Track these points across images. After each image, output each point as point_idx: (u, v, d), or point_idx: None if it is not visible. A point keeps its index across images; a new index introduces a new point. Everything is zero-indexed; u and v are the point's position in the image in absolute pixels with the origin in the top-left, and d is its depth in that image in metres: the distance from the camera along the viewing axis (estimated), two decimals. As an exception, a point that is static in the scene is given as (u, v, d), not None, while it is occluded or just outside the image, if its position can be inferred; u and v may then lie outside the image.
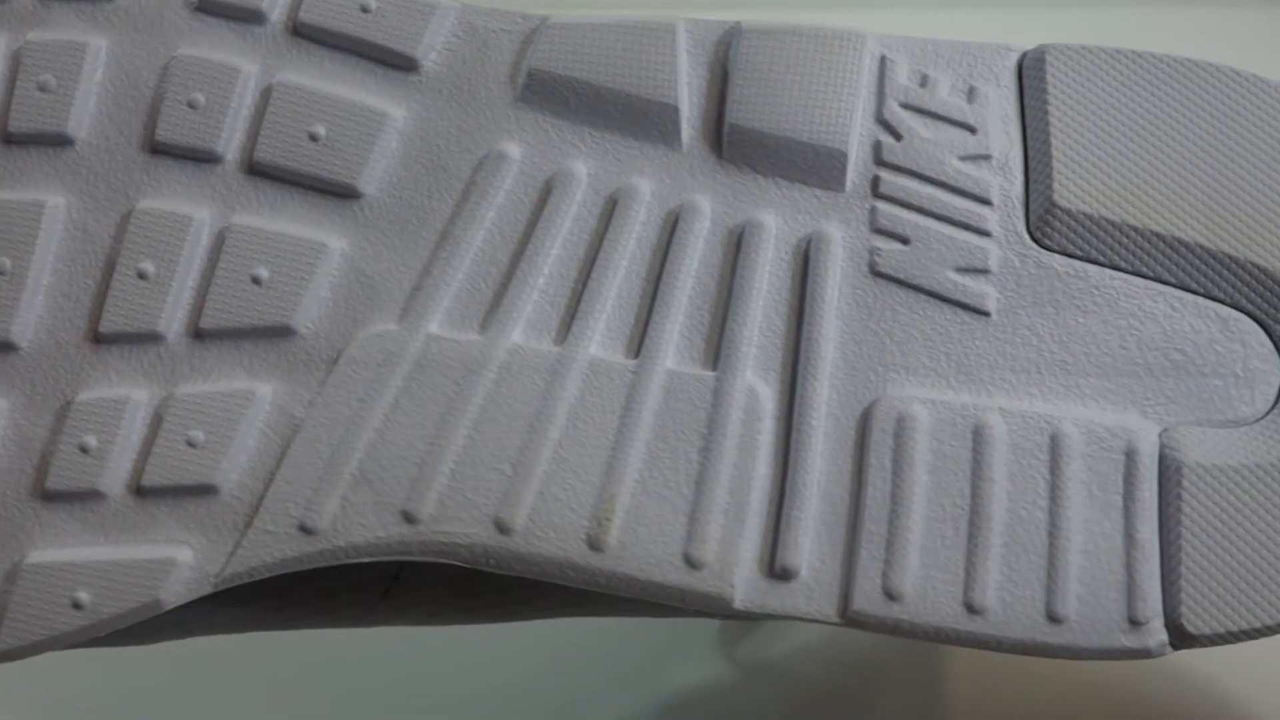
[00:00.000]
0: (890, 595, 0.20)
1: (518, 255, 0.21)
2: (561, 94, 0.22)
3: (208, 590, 0.20)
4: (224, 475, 0.20)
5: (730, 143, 0.21)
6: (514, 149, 0.22)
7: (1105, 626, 0.20)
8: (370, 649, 0.28)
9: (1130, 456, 0.20)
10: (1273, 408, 0.21)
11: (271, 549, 0.20)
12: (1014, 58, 0.22)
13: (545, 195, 0.21)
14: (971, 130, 0.22)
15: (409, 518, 0.20)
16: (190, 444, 0.20)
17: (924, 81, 0.22)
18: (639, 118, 0.22)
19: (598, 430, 0.20)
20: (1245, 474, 0.20)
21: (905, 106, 0.22)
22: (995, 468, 0.20)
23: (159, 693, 0.28)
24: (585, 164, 0.22)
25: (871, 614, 0.20)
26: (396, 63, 0.22)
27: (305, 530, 0.20)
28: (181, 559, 0.20)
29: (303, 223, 0.21)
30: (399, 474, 0.20)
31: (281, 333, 0.21)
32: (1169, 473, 0.20)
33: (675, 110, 0.21)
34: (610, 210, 0.21)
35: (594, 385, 0.21)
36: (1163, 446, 0.20)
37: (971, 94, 0.22)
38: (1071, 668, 0.27)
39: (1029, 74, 0.22)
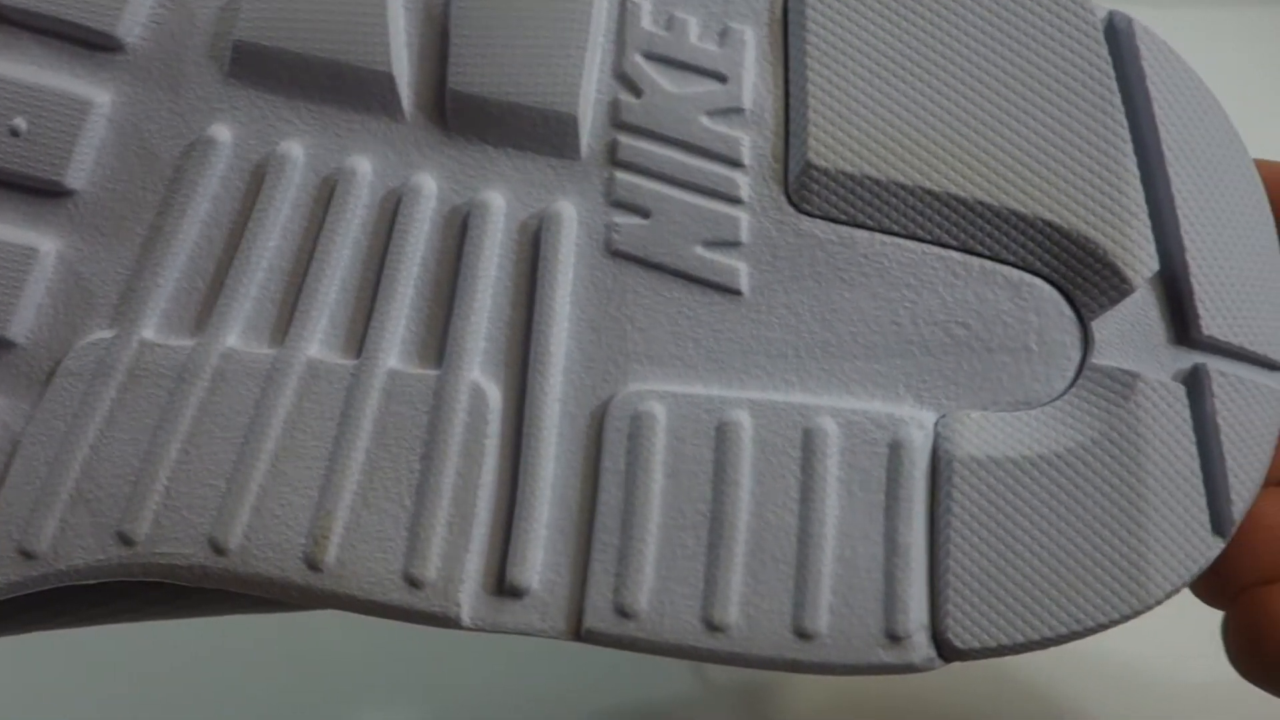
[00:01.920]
0: (623, 612, 0.18)
1: (232, 249, 0.20)
2: (271, 67, 0.20)
3: (-59, 614, 0.20)
4: (-52, 497, 0.19)
5: (454, 111, 0.19)
6: (225, 131, 0.20)
7: (861, 641, 0.18)
8: (351, 645, 0.27)
9: (895, 450, 0.18)
10: (1070, 386, 0.18)
11: (-4, 573, 0.19)
12: (778, -13, 0.19)
13: (260, 181, 0.20)
14: (722, 79, 0.19)
15: (125, 539, 0.19)
16: (-89, 467, 0.20)
17: (670, 24, 0.19)
18: (355, 88, 0.19)
19: (315, 439, 0.19)
20: (1024, 467, 0.18)
21: (648, 56, 0.19)
22: (740, 469, 0.18)
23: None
24: (301, 143, 0.20)
25: (605, 632, 0.18)
26: (99, 43, 0.20)
27: (25, 554, 0.19)
28: None
29: (14, 225, 0.20)
30: (114, 493, 0.19)
31: (-1, 345, 0.20)
32: (940, 467, 0.18)
33: (390, 78, 0.19)
34: (329, 194, 0.19)
35: (311, 390, 0.19)
36: (937, 436, 0.18)
37: (724, 35, 0.19)
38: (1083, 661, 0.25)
39: (793, 8, 0.19)
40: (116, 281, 0.20)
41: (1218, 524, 0.18)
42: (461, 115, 0.19)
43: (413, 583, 0.18)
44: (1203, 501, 0.17)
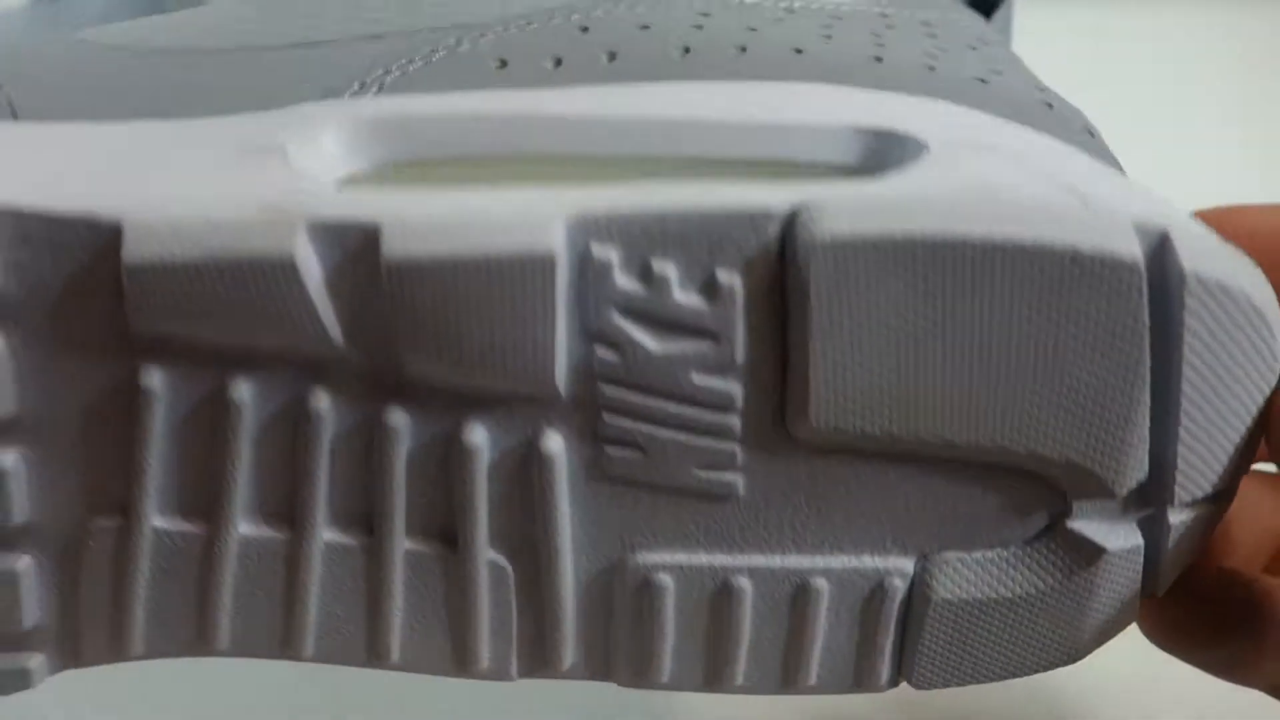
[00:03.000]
0: (647, 687, 0.22)
1: (206, 461, 0.19)
2: (178, 337, 0.17)
3: None
4: None
5: (414, 380, 0.17)
6: (154, 376, 0.18)
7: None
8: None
9: (878, 592, 0.20)
10: (1040, 535, 0.19)
11: None
12: (773, 229, 0.16)
13: (213, 415, 0.18)
14: (714, 339, 0.17)
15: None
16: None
17: (647, 276, 0.16)
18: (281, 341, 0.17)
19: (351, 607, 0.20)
20: (988, 608, 0.20)
21: (626, 313, 0.16)
22: (741, 624, 0.20)
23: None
24: (247, 383, 0.18)
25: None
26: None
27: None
28: None
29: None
30: (178, 639, 0.21)
31: None
32: (915, 606, 0.20)
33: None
34: (293, 426, 0.18)
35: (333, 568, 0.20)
36: (914, 581, 0.20)
37: (712, 289, 0.16)
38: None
39: (791, 261, 0.16)
40: (97, 476, 0.19)
41: (1148, 591, 0.21)
42: (422, 383, 0.17)
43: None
44: (1138, 592, 0.20)
